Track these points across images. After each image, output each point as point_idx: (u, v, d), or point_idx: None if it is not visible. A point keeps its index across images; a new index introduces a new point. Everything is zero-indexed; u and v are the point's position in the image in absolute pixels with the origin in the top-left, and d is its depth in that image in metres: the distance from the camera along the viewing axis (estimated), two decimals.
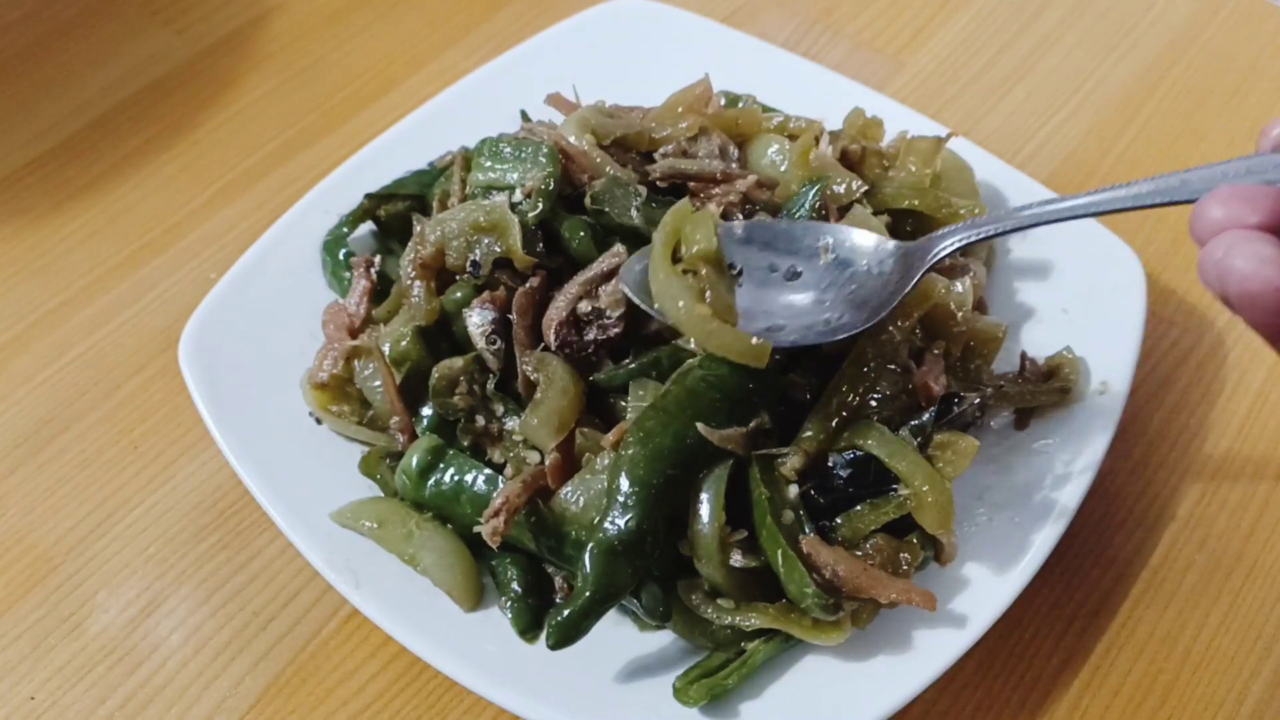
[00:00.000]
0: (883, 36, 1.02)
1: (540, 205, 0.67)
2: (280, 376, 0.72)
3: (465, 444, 0.68)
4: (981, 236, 0.61)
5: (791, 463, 0.62)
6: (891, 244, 0.65)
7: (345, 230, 0.78)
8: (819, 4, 1.05)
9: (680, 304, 0.62)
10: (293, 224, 0.78)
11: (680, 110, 0.76)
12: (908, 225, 0.73)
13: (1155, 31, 1.03)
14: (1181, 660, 0.68)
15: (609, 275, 0.67)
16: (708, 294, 0.63)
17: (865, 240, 0.65)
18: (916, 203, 0.73)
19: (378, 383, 0.70)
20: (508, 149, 0.71)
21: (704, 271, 0.64)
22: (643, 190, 0.69)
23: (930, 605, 0.60)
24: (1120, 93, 0.98)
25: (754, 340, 0.61)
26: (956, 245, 0.62)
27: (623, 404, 0.66)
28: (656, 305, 0.64)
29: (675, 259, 0.64)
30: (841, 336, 0.63)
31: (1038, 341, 0.74)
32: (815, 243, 0.66)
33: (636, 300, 0.65)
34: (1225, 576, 0.71)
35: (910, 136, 0.77)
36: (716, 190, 0.71)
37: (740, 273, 0.65)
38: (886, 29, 1.03)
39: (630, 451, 0.61)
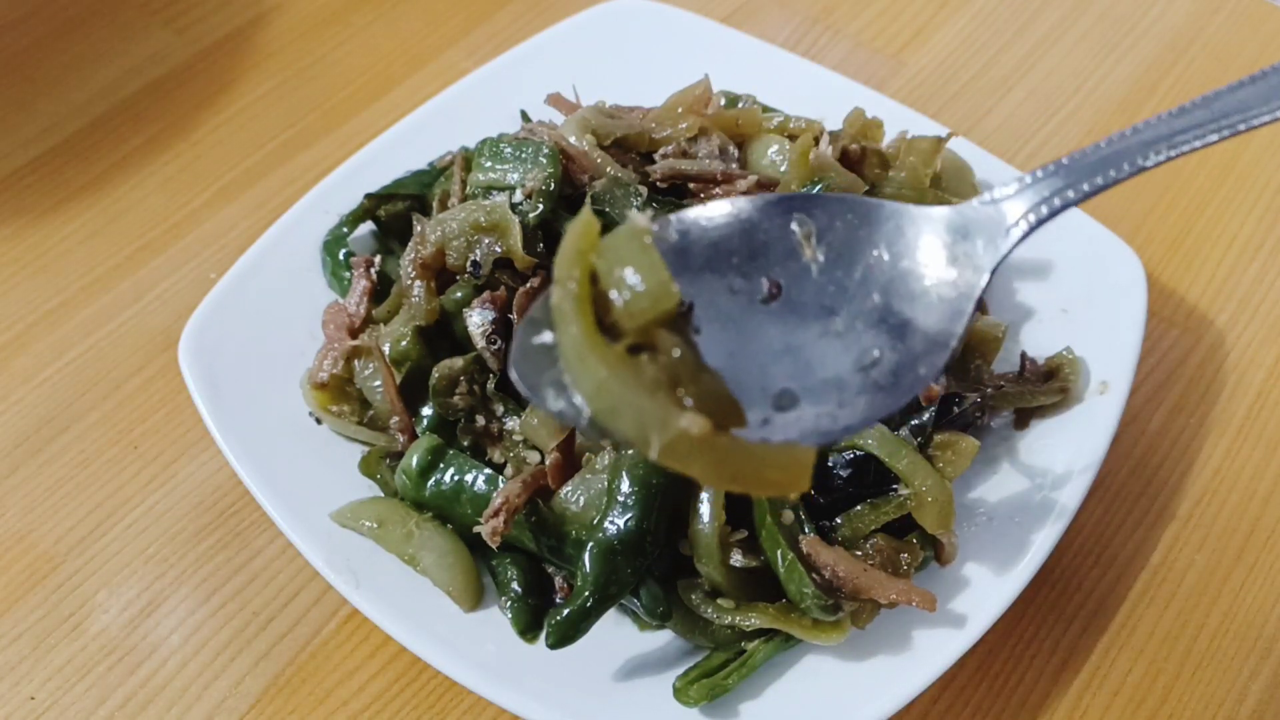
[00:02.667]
0: (883, 36, 1.02)
1: (541, 205, 0.67)
2: (280, 376, 0.72)
3: (465, 444, 0.68)
4: (1084, 193, 0.44)
5: None
6: (910, 211, 0.46)
7: (345, 230, 0.78)
8: (819, 4, 1.05)
9: (656, 432, 0.38)
10: (293, 224, 0.78)
11: (680, 110, 0.76)
12: None
13: (1155, 31, 1.03)
14: (1181, 660, 0.68)
15: None
16: (682, 394, 0.40)
17: (864, 211, 0.45)
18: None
19: (378, 383, 0.70)
20: (508, 149, 0.70)
21: (664, 342, 0.40)
22: (643, 190, 0.69)
23: (930, 606, 0.60)
24: (1120, 93, 0.98)
25: (786, 452, 0.40)
26: (1055, 208, 0.45)
27: None
28: (595, 419, 0.40)
29: (605, 319, 0.41)
30: (906, 398, 0.43)
31: (1038, 342, 0.74)
32: (785, 229, 0.45)
33: (546, 408, 0.41)
34: (1225, 576, 0.71)
35: (910, 136, 0.77)
36: (717, 190, 0.71)
37: (690, 309, 0.43)
38: (887, 29, 1.03)
39: (630, 451, 0.61)
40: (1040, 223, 0.46)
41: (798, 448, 0.40)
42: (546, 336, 0.42)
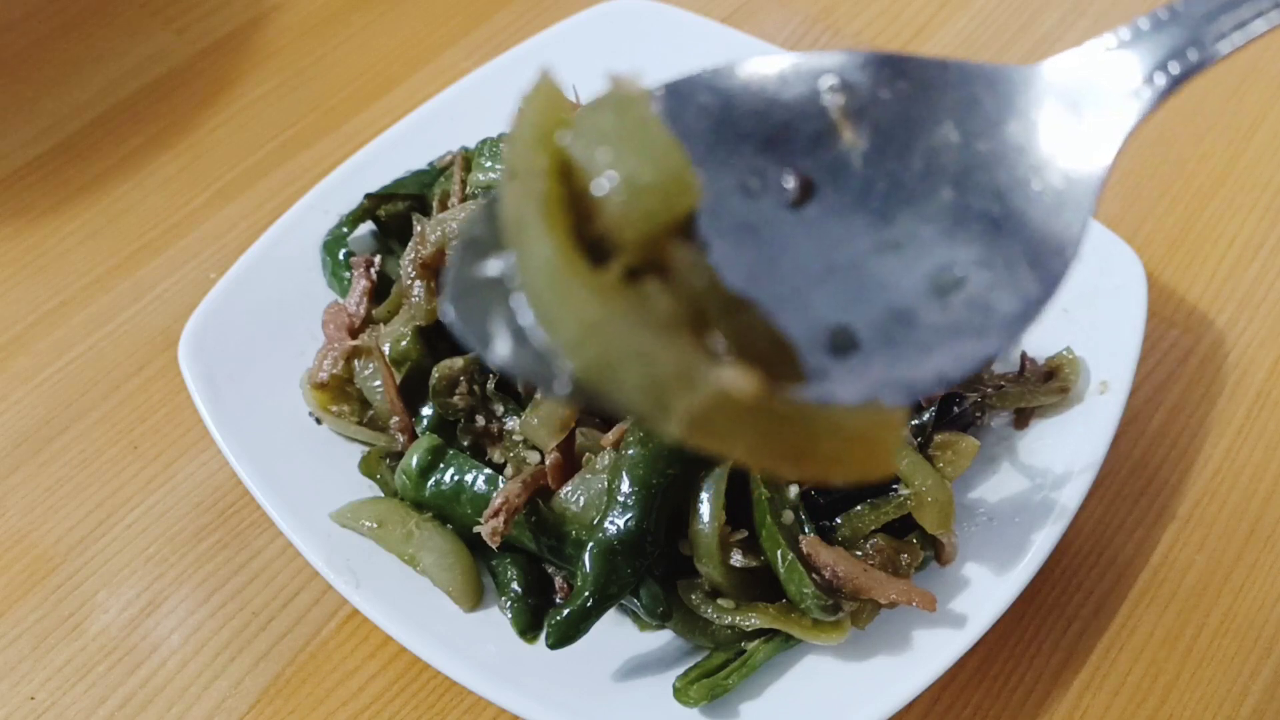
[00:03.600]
0: (883, 36, 1.02)
1: None
2: (280, 376, 0.72)
3: (465, 444, 0.67)
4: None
5: None
6: (987, 72, 0.34)
7: (345, 230, 0.78)
8: (819, 4, 1.05)
9: (680, 394, 0.27)
10: (293, 224, 0.78)
11: None
12: None
13: None
14: (1182, 660, 0.68)
15: None
16: (713, 337, 0.29)
17: (920, 75, 0.34)
18: None
19: (378, 383, 0.70)
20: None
21: (680, 260, 0.30)
22: None
23: (930, 606, 0.60)
24: None
25: (865, 415, 0.30)
26: (1192, 65, 0.34)
27: None
28: (581, 379, 0.28)
29: (587, 238, 0.30)
30: (1013, 333, 0.32)
31: (1038, 342, 0.74)
32: (813, 104, 0.34)
33: (501, 364, 0.30)
34: (1225, 577, 0.71)
35: None
36: None
37: (692, 219, 0.31)
38: (887, 28, 1.03)
39: (630, 451, 0.60)
40: (1174, 85, 0.35)
41: (881, 408, 0.29)
42: (494, 264, 0.30)
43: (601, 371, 0.28)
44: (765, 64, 0.34)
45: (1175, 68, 0.35)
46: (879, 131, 0.34)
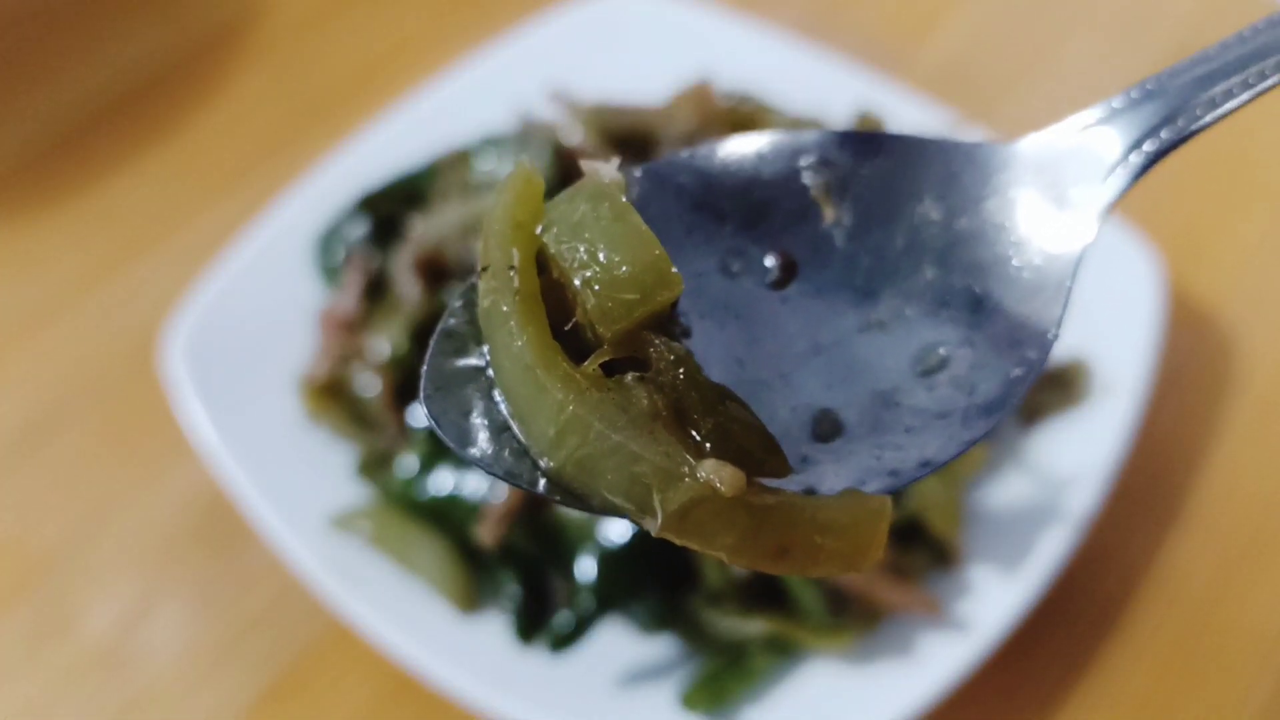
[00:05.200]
0: (893, 25, 1.01)
1: None
2: (273, 377, 0.71)
3: None
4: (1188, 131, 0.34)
5: None
6: (964, 150, 0.35)
7: (340, 228, 0.77)
8: None
9: (663, 493, 0.28)
10: (287, 222, 0.77)
11: (683, 106, 0.75)
12: None
13: (1175, 16, 1.01)
14: (1185, 663, 0.67)
15: None
16: (695, 432, 0.29)
17: (899, 151, 0.34)
18: None
19: (373, 384, 0.69)
20: (505, 147, 0.70)
21: (658, 354, 0.30)
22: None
23: (933, 611, 0.59)
24: (1139, 79, 0.97)
25: (848, 507, 0.29)
26: (1166, 143, 0.34)
27: None
28: (558, 478, 0.29)
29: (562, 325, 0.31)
30: (997, 415, 0.32)
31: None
32: (793, 182, 0.34)
33: (479, 463, 0.30)
34: (1230, 580, 0.70)
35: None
36: None
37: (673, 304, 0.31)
38: (897, 16, 1.02)
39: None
40: (1152, 162, 0.35)
41: (865, 498, 0.29)
42: (473, 357, 0.31)
43: (579, 468, 0.28)
44: (743, 143, 0.35)
45: (1151, 145, 0.35)
46: (860, 209, 0.34)
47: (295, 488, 0.67)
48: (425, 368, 0.31)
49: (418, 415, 0.68)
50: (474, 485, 0.65)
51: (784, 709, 0.61)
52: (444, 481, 0.65)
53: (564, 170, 0.69)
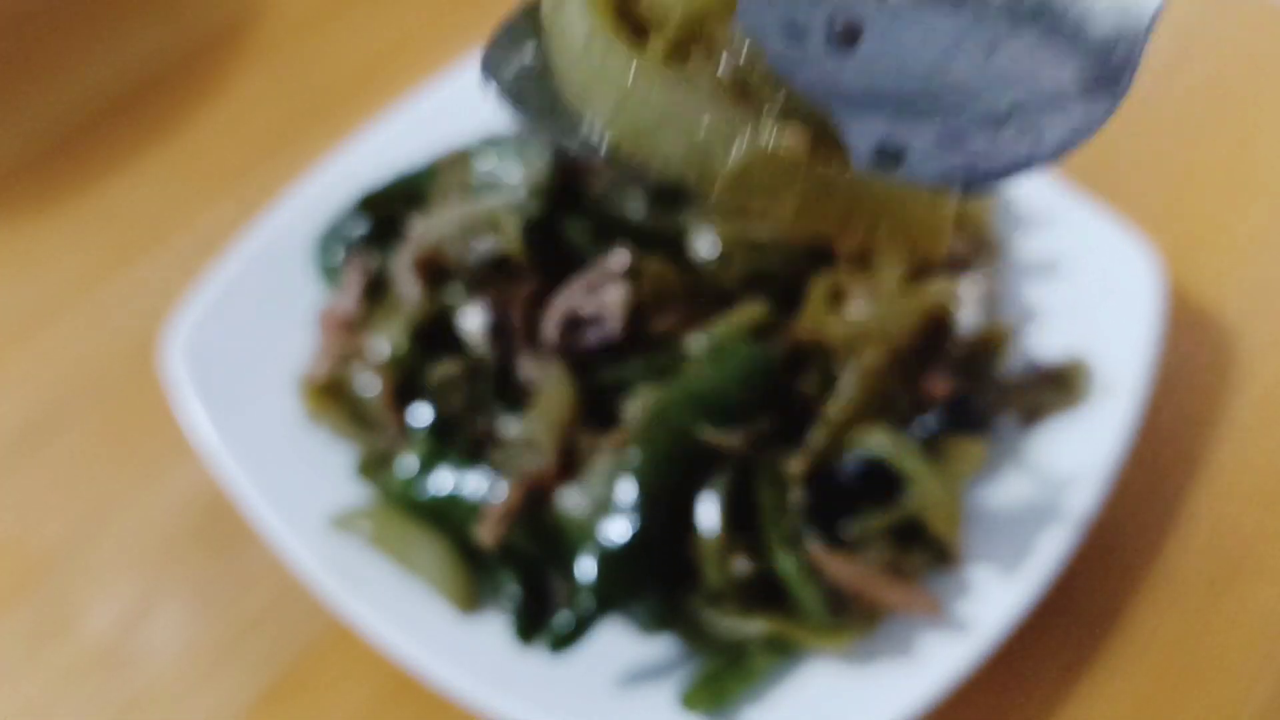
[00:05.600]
0: None
1: (539, 204, 0.67)
2: (273, 377, 0.71)
3: (462, 446, 0.67)
4: None
5: (796, 466, 0.61)
6: None
7: (340, 228, 0.77)
8: None
9: (726, 144, 0.28)
10: (287, 222, 0.77)
11: None
12: None
13: (1157, 33, 1.01)
14: (1185, 663, 0.67)
15: (610, 276, 0.66)
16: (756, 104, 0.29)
17: None
18: None
19: (373, 384, 0.69)
20: (506, 147, 0.70)
21: (724, 40, 0.29)
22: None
23: (934, 611, 0.59)
24: (1139, 90, 0.97)
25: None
26: None
27: (624, 406, 0.65)
28: (619, 143, 0.29)
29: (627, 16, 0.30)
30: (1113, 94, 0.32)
31: (1047, 341, 0.73)
32: None
33: (541, 130, 0.33)
34: (1230, 580, 0.70)
35: None
36: None
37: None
38: None
39: (631, 454, 0.60)
40: None
41: (928, 190, 0.29)
42: (529, 52, 0.32)
43: (640, 137, 0.28)
44: None
45: None
46: None
47: (295, 488, 0.67)
48: (487, 47, 0.32)
49: (418, 415, 0.68)
50: (474, 485, 0.65)
51: (784, 709, 0.61)
52: (444, 481, 0.65)
53: (564, 172, 0.69)
